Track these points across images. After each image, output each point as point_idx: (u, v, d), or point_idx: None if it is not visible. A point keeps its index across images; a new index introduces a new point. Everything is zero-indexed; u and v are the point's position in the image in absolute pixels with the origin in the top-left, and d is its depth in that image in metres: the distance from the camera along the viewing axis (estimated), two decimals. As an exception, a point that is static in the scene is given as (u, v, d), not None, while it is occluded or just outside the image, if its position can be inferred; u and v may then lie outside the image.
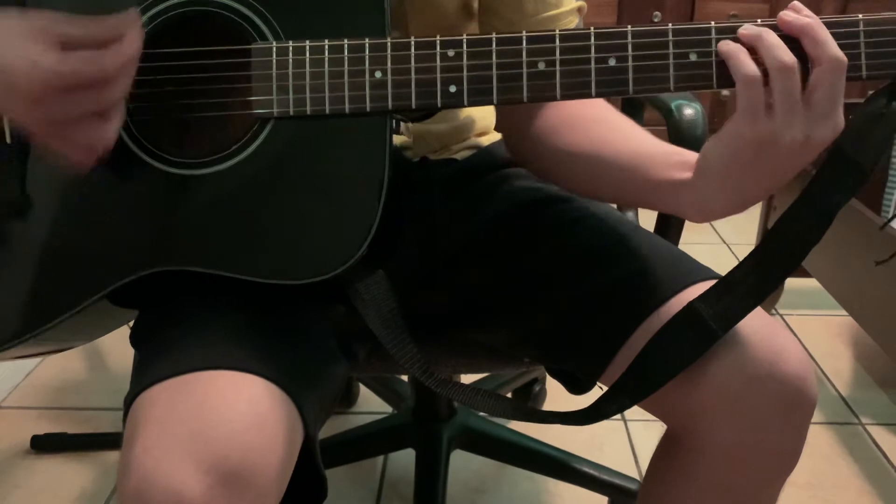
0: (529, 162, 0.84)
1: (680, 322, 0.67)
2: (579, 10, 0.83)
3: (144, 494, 0.55)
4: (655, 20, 2.52)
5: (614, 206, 0.89)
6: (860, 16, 0.62)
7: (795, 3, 0.62)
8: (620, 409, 0.71)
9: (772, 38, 0.60)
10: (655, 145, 0.72)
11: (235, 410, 0.58)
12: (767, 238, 0.66)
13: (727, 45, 0.61)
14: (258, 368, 0.61)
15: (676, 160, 0.68)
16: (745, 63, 0.60)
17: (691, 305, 0.67)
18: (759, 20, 0.62)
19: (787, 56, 0.59)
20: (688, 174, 0.67)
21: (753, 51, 0.61)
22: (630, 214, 1.07)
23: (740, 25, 0.62)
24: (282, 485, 0.61)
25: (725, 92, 2.61)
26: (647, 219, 0.98)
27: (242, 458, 0.56)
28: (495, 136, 0.94)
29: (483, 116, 0.93)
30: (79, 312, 0.67)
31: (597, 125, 0.77)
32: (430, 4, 0.79)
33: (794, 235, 0.65)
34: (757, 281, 0.65)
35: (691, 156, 0.68)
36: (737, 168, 0.63)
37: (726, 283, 0.66)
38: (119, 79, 0.61)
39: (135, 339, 0.72)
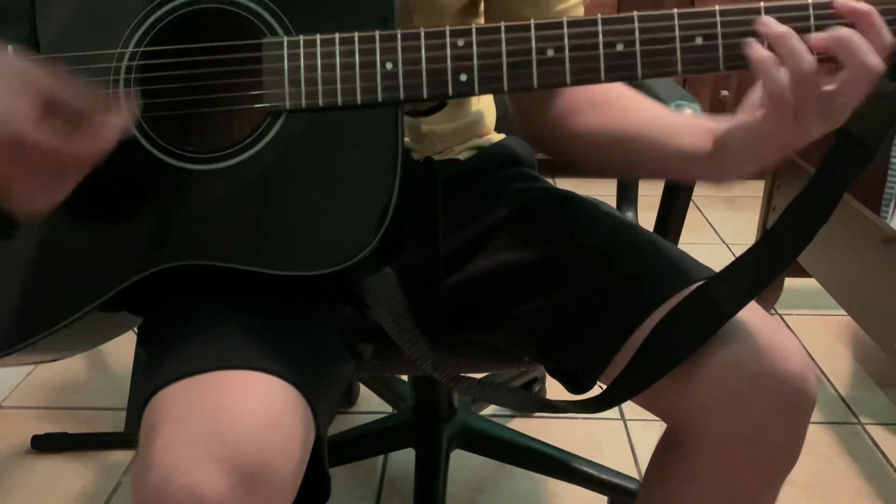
0: (546, 144, 0.86)
1: (688, 305, 0.68)
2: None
3: (165, 494, 0.55)
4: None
5: (614, 206, 0.90)
6: None
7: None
8: (631, 395, 0.71)
9: (793, 42, 0.61)
10: (675, 116, 0.77)
11: (251, 410, 0.58)
12: (779, 221, 0.68)
13: (758, 53, 0.62)
14: (271, 367, 0.61)
15: (700, 127, 0.72)
16: (778, 78, 0.61)
17: (700, 289, 0.68)
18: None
19: (807, 63, 0.60)
20: (709, 144, 0.71)
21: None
22: (630, 215, 1.07)
23: (740, 10, 0.62)
24: (297, 483, 0.61)
25: (724, 92, 2.61)
26: (647, 219, 0.98)
27: (260, 457, 0.56)
28: (496, 137, 0.95)
29: (485, 117, 0.93)
30: (88, 313, 0.66)
31: (618, 103, 0.80)
32: (432, 5, 0.79)
33: (804, 215, 0.67)
34: (766, 261, 0.68)
35: (711, 123, 0.71)
36: (754, 154, 0.68)
37: (736, 266, 0.69)
38: (90, 160, 0.60)
39: (143, 338, 0.72)
